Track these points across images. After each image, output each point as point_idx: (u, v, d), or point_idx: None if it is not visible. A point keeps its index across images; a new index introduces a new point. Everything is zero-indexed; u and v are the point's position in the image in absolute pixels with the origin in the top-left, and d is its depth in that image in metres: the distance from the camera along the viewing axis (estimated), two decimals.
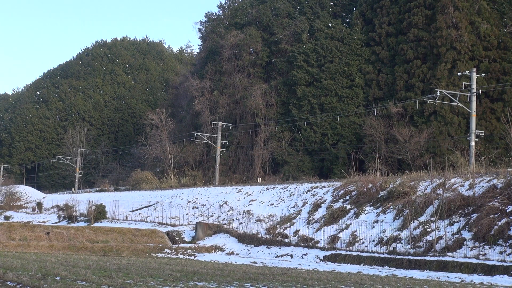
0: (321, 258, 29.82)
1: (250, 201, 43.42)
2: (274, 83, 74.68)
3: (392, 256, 27.06)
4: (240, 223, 39.55)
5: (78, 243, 36.23)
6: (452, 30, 57.28)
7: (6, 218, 59.99)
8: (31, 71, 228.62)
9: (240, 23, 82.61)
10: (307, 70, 69.64)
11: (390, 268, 25.72)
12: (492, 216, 25.83)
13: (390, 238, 29.10)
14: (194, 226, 40.50)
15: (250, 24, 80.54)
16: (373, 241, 29.83)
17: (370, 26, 67.87)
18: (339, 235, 31.89)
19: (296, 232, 34.67)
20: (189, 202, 49.25)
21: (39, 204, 65.88)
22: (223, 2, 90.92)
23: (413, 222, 29.10)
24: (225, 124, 71.11)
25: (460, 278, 21.54)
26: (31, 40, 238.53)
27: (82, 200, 58.24)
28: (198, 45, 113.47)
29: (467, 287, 18.47)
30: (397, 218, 30.62)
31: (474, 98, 45.22)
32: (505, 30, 58.00)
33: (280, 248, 33.21)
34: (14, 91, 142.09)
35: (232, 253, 34.88)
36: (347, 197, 35.97)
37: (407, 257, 26.27)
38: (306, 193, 39.79)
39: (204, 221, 41.93)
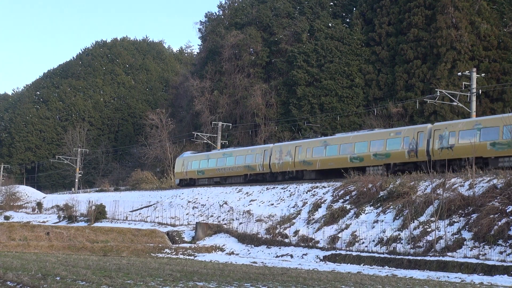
0: (321, 258, 29.81)
1: (250, 201, 43.42)
2: (274, 83, 74.71)
3: (392, 256, 27.05)
4: (240, 223, 39.54)
5: (78, 243, 36.23)
6: (452, 30, 57.32)
7: (6, 218, 59.97)
8: (31, 71, 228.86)
9: (240, 23, 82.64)
10: (307, 70, 69.67)
11: (390, 268, 25.72)
12: (492, 216, 25.83)
13: (390, 238, 29.09)
14: (194, 226, 40.50)
15: (250, 24, 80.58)
16: (373, 241, 29.83)
17: (370, 26, 67.92)
18: (339, 235, 31.89)
19: (296, 232, 34.66)
20: (189, 202, 49.25)
21: (39, 204, 65.86)
22: (223, 2, 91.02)
23: (413, 222, 29.09)
24: (225, 124, 71.12)
25: (460, 278, 21.54)
26: (31, 40, 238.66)
27: (82, 200, 58.22)
28: (198, 45, 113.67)
29: (467, 287, 18.47)
30: (397, 218, 30.62)
31: (474, 98, 45.21)
32: (505, 30, 58.04)
33: (280, 248, 33.20)
34: (14, 91, 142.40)
35: (232, 253, 34.88)
36: (347, 197, 35.95)
37: (407, 257, 26.26)
38: (306, 193, 39.79)
39: (204, 221, 41.93)
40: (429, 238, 27.40)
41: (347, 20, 75.13)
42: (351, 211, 33.87)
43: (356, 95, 65.97)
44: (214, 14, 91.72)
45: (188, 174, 57.56)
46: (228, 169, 52.37)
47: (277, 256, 31.97)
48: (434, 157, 36.84)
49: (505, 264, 22.69)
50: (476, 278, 21.28)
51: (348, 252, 29.30)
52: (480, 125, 35.33)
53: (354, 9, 74.12)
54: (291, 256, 31.38)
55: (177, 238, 39.64)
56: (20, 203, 71.12)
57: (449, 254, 25.36)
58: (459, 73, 50.63)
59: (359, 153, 40.91)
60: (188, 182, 57.62)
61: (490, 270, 22.45)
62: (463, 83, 48.20)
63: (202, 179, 56.07)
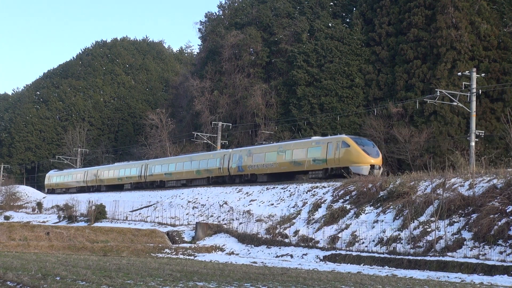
0: (321, 258, 29.81)
1: (250, 201, 43.43)
2: (274, 83, 74.68)
3: (392, 256, 27.05)
4: (240, 223, 39.54)
5: (78, 243, 36.22)
6: (452, 30, 57.29)
7: (6, 218, 59.99)
8: (31, 71, 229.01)
9: (240, 23, 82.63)
10: (307, 70, 69.63)
11: (390, 268, 25.72)
12: (492, 216, 25.83)
13: (390, 238, 29.10)
14: (194, 226, 40.50)
15: (250, 24, 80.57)
16: (373, 241, 29.83)
17: (370, 26, 67.87)
18: (339, 235, 31.89)
19: (296, 232, 34.66)
20: (189, 202, 49.27)
21: (39, 204, 65.87)
22: (223, 2, 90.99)
23: (413, 222, 29.10)
24: (225, 124, 71.12)
25: (460, 278, 21.55)
26: (31, 40, 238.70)
27: (82, 200, 58.22)
28: (198, 45, 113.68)
29: (467, 287, 18.47)
30: (397, 218, 30.63)
31: (474, 98, 45.21)
32: (505, 30, 57.99)
33: (280, 248, 33.20)
34: (14, 91, 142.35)
35: (232, 253, 34.88)
36: (347, 197, 35.96)
37: (407, 257, 26.27)
38: (306, 193, 39.80)
39: (204, 221, 41.93)
40: (429, 238, 27.40)
41: (347, 20, 75.08)
42: (351, 211, 33.87)
43: (356, 95, 65.93)
44: (214, 14, 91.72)
45: (51, 186, 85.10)
46: (69, 183, 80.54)
47: (277, 256, 31.97)
48: (147, 180, 65.86)
49: (505, 264, 22.69)
50: (476, 278, 21.28)
51: (348, 252, 29.30)
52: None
53: (354, 9, 74.07)
54: (291, 256, 31.38)
55: (177, 238, 39.64)
56: (20, 203, 71.17)
57: (449, 254, 25.36)
58: (459, 73, 50.59)
59: (121, 176, 70.38)
60: (52, 191, 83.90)
61: (490, 270, 22.45)
62: (463, 83, 48.17)
63: (58, 189, 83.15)
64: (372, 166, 42.87)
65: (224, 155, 55.19)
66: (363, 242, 30.15)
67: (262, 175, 50.26)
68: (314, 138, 48.62)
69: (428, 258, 25.46)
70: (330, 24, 71.80)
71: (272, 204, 40.85)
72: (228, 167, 53.75)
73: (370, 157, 43.09)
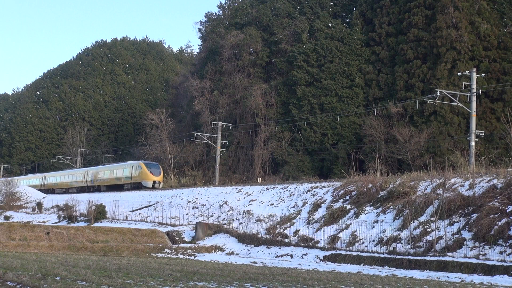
0: (321, 258, 29.81)
1: (250, 201, 43.43)
2: (274, 83, 74.65)
3: (392, 256, 27.05)
4: (240, 223, 39.54)
5: (78, 243, 36.22)
6: (452, 30, 57.27)
7: (6, 218, 59.93)
8: (31, 71, 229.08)
9: (240, 23, 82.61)
10: (307, 70, 69.61)
11: (390, 268, 25.72)
12: (492, 216, 25.83)
13: (390, 238, 29.10)
14: (194, 226, 40.50)
15: (250, 24, 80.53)
16: (373, 241, 29.83)
17: (370, 26, 67.84)
18: (339, 235, 31.89)
19: (296, 232, 34.66)
20: (189, 202, 49.26)
21: (39, 204, 65.84)
22: (223, 2, 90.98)
23: (413, 222, 29.10)
24: (225, 124, 71.09)
25: (460, 278, 21.54)
26: (31, 40, 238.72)
27: (82, 200, 58.19)
28: (198, 45, 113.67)
29: (467, 287, 18.47)
30: (397, 218, 30.62)
31: (474, 98, 45.20)
32: (505, 30, 57.97)
33: (280, 248, 33.20)
34: (14, 91, 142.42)
35: (232, 253, 34.87)
36: (347, 197, 35.97)
37: (407, 257, 26.26)
38: (306, 193, 39.80)
39: (204, 221, 41.92)
40: (429, 238, 27.39)
41: (347, 20, 75.02)
42: (351, 211, 33.87)
43: (356, 95, 65.91)
44: (214, 14, 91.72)
45: None
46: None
47: (277, 256, 31.96)
48: (45, 187, 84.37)
49: (505, 264, 22.69)
50: (476, 278, 21.27)
51: (348, 252, 29.29)
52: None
53: (354, 9, 74.03)
54: (291, 256, 31.38)
55: (177, 238, 39.63)
56: (20, 203, 71.11)
57: (449, 254, 25.36)
58: (459, 73, 50.55)
59: (30, 184, 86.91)
60: None
61: (490, 270, 22.44)
62: (463, 83, 48.13)
63: None
64: (154, 182, 67.17)
65: (85, 172, 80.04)
66: (363, 242, 30.15)
67: (103, 186, 74.76)
68: (128, 162, 73.32)
69: (428, 258, 25.45)
70: (330, 24, 71.77)
71: (272, 204, 40.85)
72: (86, 180, 78.54)
73: (153, 176, 67.61)
